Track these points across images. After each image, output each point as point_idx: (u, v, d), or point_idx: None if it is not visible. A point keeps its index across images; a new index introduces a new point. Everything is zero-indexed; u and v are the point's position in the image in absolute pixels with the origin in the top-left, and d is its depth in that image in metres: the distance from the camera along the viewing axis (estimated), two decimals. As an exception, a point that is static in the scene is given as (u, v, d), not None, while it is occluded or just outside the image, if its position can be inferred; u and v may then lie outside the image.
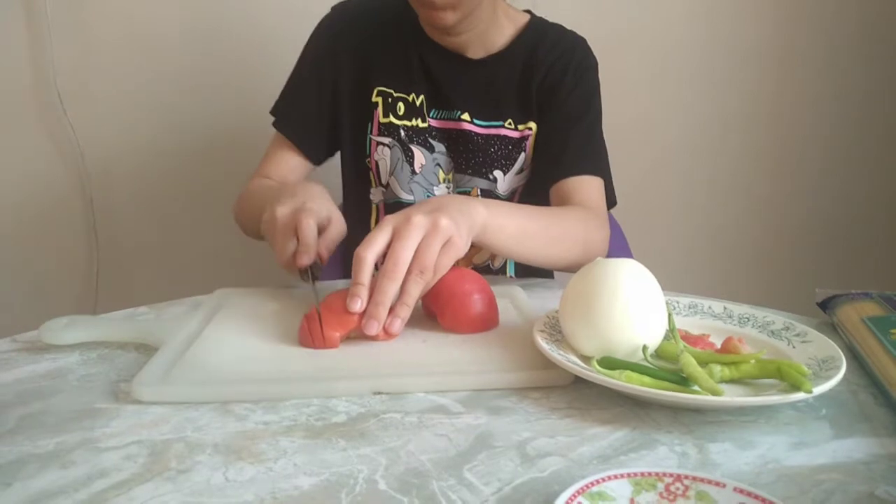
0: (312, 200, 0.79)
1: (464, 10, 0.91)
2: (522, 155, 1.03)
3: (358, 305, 0.67)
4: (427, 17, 0.93)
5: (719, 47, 1.69)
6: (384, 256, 0.69)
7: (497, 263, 1.07)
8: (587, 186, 0.98)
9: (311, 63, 1.06)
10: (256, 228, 0.87)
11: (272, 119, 1.06)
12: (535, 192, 1.06)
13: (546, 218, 0.88)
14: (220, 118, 1.58)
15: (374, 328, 0.67)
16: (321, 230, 0.78)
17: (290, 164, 1.04)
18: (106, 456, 0.50)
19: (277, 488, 0.46)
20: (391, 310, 0.67)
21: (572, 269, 0.79)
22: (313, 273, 0.77)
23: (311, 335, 0.67)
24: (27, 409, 0.57)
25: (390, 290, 0.67)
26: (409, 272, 0.67)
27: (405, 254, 0.67)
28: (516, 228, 0.80)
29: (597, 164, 1.01)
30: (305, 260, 0.75)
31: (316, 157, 1.06)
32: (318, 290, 0.74)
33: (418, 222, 0.68)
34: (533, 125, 1.03)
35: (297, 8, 1.50)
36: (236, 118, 1.58)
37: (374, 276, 0.69)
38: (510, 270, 1.10)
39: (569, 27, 1.08)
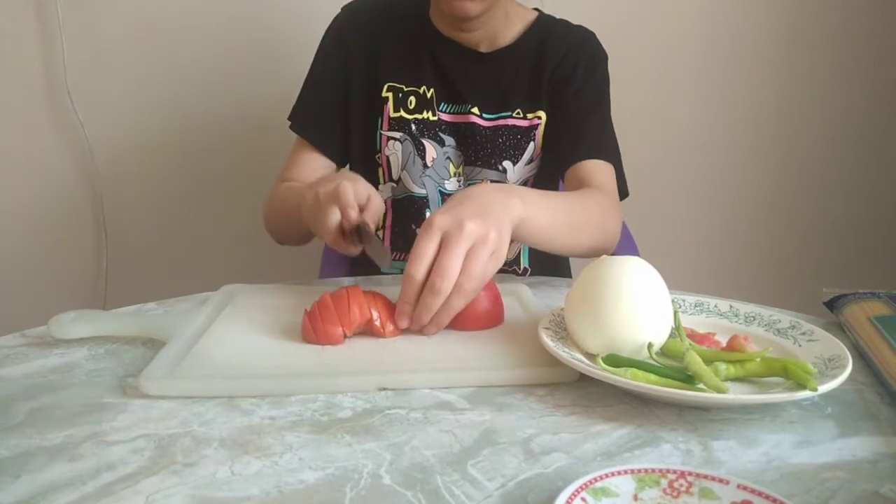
0: (350, 179, 0.80)
1: (488, 1, 0.93)
2: (532, 144, 1.04)
3: (405, 323, 0.69)
4: (451, 7, 0.93)
5: (726, 44, 1.68)
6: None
7: (511, 254, 1.07)
8: (602, 171, 0.99)
9: (323, 64, 1.07)
10: (289, 229, 0.85)
11: (283, 117, 1.06)
12: (545, 183, 1.06)
13: (571, 206, 0.88)
14: (229, 117, 1.58)
15: (413, 327, 0.69)
16: (360, 207, 0.78)
17: (313, 165, 1.05)
18: (113, 449, 0.50)
19: (283, 482, 0.46)
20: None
21: (590, 254, 0.78)
22: (362, 234, 0.76)
23: (313, 331, 0.67)
24: (36, 402, 0.57)
25: (434, 305, 0.67)
26: (455, 285, 0.66)
27: (454, 268, 0.66)
28: (546, 220, 0.80)
29: (610, 151, 1.02)
30: (352, 214, 0.75)
31: (338, 157, 1.07)
32: (375, 247, 0.74)
33: (470, 231, 0.66)
34: (542, 114, 1.03)
35: (306, 7, 1.50)
36: (245, 117, 1.58)
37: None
38: (524, 261, 1.10)
39: (577, 22, 1.08)
